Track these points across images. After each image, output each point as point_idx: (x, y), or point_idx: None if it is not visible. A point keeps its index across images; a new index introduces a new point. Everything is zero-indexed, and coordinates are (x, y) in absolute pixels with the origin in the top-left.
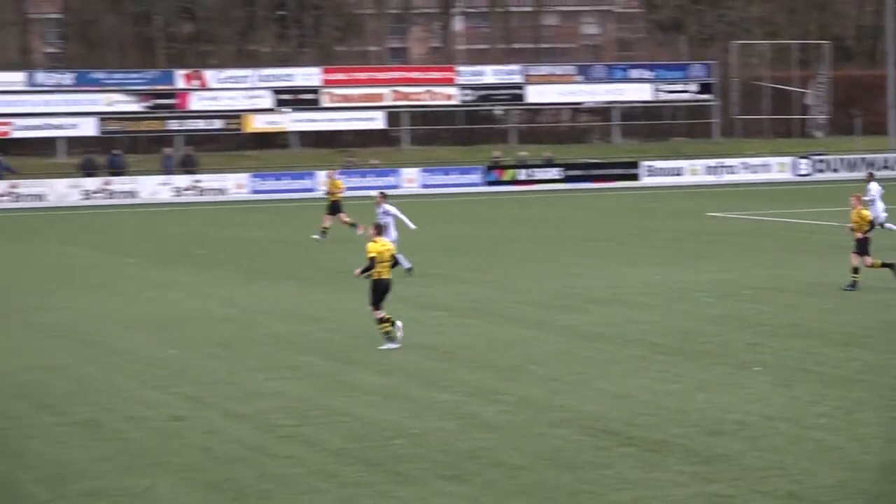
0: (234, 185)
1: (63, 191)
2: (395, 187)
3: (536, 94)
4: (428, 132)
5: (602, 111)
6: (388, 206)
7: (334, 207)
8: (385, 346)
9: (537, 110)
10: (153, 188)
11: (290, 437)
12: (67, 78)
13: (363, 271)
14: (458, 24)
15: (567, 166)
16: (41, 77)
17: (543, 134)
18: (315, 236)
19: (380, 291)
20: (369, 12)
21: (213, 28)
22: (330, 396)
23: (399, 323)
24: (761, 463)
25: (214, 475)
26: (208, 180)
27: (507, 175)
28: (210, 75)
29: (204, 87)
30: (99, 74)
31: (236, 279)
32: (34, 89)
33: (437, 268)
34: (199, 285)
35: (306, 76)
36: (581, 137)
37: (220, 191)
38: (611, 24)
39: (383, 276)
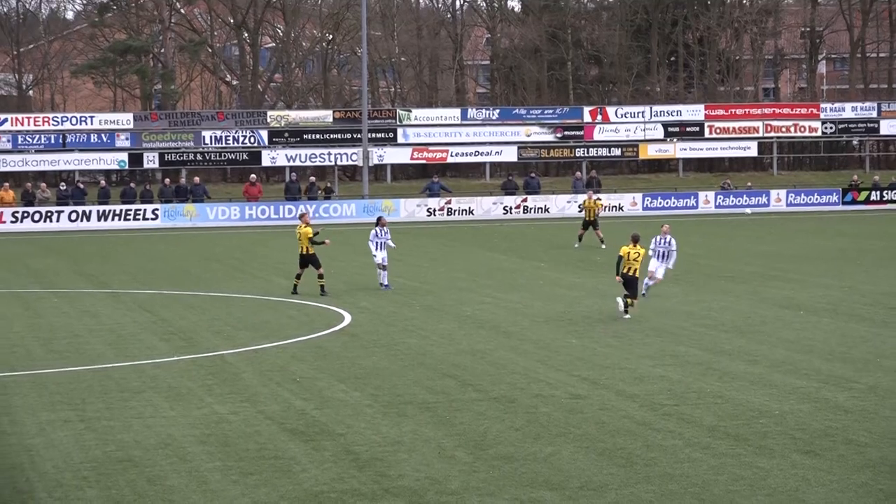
0: (630, 202)
1: (488, 206)
2: (765, 206)
3: (889, 127)
4: (794, 159)
5: None
6: (671, 238)
7: (590, 223)
8: (624, 316)
9: (889, 141)
10: (562, 205)
11: (670, 415)
12: (494, 113)
13: (617, 265)
14: (822, 68)
15: None
16: (472, 113)
17: (894, 161)
18: (576, 245)
19: (625, 282)
20: (746, 58)
21: (615, 71)
22: (705, 381)
23: (621, 308)
24: None
25: (607, 445)
26: (609, 199)
27: (861, 196)
28: (611, 111)
29: (606, 121)
30: (520, 111)
31: None
32: (467, 123)
33: (798, 274)
34: (598, 286)
35: (692, 112)
36: None
37: (618, 207)
38: None
39: (630, 272)
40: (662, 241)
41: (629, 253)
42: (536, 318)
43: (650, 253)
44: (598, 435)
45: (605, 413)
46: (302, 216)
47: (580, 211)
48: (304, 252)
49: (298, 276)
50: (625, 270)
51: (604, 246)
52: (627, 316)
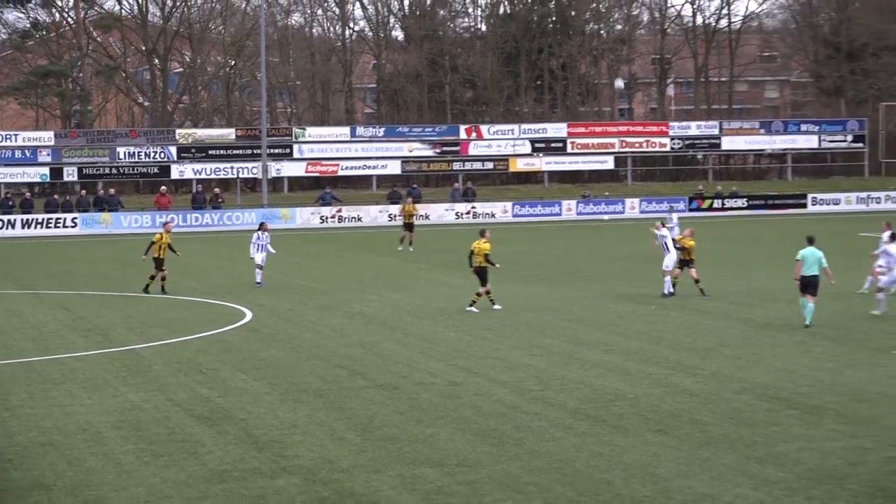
0: (501, 210)
1: (375, 214)
2: (620, 213)
3: (729, 143)
4: (646, 171)
5: (779, 156)
6: (665, 231)
7: (408, 227)
8: (469, 309)
9: (729, 155)
10: (441, 213)
11: (537, 399)
12: (380, 131)
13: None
14: (671, 90)
15: (751, 197)
16: (361, 130)
17: (734, 173)
18: (399, 248)
19: (476, 273)
20: (604, 82)
21: (487, 94)
22: (567, 369)
23: (474, 309)
24: None
25: (481, 426)
26: (482, 207)
27: (706, 204)
28: (484, 129)
29: (480, 138)
30: (403, 129)
31: (501, 281)
32: (356, 140)
33: (650, 273)
34: (471, 285)
35: (556, 129)
36: (762, 175)
37: (492, 215)
38: (787, 90)
39: (476, 264)
40: (659, 234)
41: (474, 249)
42: (418, 313)
43: (662, 248)
44: (473, 417)
45: (479, 398)
46: (166, 224)
47: (399, 216)
48: (159, 255)
49: (153, 277)
50: (475, 264)
51: (411, 249)
52: (498, 307)
